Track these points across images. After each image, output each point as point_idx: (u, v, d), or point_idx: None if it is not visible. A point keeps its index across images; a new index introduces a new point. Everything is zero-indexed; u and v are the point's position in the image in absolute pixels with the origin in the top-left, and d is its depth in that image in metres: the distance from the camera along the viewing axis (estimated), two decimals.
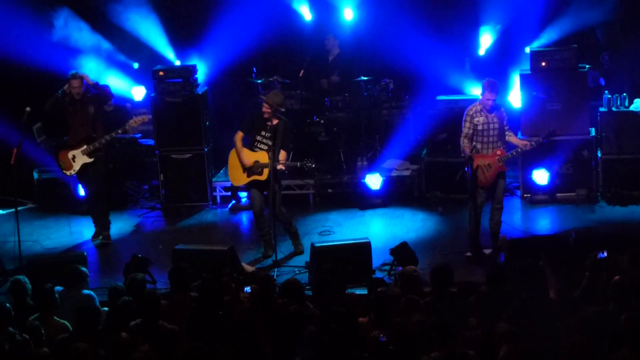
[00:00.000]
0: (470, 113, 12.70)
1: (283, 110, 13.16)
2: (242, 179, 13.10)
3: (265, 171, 12.84)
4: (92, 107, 13.70)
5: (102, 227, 14.10)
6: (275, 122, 12.87)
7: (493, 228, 12.91)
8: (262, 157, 12.88)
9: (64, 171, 13.85)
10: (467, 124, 12.70)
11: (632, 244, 11.51)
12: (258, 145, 12.98)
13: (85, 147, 13.66)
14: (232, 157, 13.18)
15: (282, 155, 12.87)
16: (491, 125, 12.70)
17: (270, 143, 12.83)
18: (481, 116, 12.68)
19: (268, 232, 13.15)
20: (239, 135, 13.07)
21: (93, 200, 14.07)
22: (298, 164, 13.05)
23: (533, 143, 13.00)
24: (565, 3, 15.98)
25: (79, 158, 13.69)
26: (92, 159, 13.69)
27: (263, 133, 12.95)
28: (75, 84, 13.55)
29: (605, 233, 12.74)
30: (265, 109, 12.86)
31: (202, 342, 8.66)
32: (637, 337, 8.03)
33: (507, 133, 12.86)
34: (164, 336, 8.95)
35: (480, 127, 12.67)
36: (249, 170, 12.94)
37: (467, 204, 13.03)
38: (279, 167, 12.77)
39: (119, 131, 13.84)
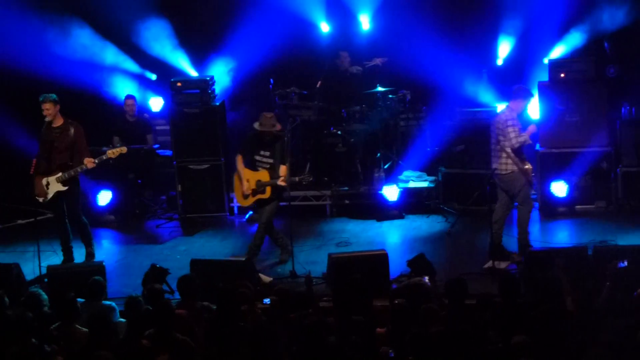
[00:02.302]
0: (515, 122, 12.64)
1: (279, 129, 13.20)
2: (247, 200, 13.24)
3: (268, 189, 13.02)
4: (72, 133, 13.16)
5: (89, 245, 13.66)
6: (271, 138, 13.06)
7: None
8: (264, 176, 13.00)
9: (36, 197, 13.23)
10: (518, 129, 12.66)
11: None
12: (259, 166, 13.09)
13: (60, 174, 13.10)
14: (237, 179, 13.32)
15: (283, 170, 12.99)
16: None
17: (271, 161, 12.99)
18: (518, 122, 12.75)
19: (282, 237, 13.29)
20: (239, 157, 13.22)
21: (75, 226, 13.49)
22: (297, 178, 13.15)
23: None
24: (584, 13, 15.93)
25: (53, 185, 13.12)
26: (65, 187, 13.14)
27: (262, 153, 13.09)
28: (45, 107, 13.12)
29: (624, 245, 12.67)
30: (267, 135, 13.00)
31: (219, 352, 8.65)
32: None
33: None
34: (177, 346, 8.94)
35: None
36: (253, 190, 13.07)
37: (485, 215, 13.04)
38: (280, 183, 12.87)
39: (96, 161, 13.11)
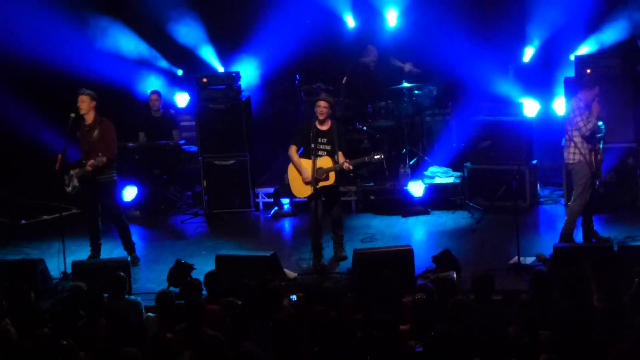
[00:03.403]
0: (581, 110, 12.70)
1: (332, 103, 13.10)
2: (306, 190, 12.89)
3: (331, 175, 12.75)
4: (98, 133, 13.07)
5: (129, 249, 13.63)
6: (328, 124, 12.86)
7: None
8: (325, 162, 12.79)
9: (65, 187, 13.17)
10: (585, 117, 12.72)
11: None
12: (318, 153, 12.74)
13: (77, 169, 13.07)
14: (292, 170, 12.99)
15: (341, 156, 12.80)
16: None
17: (329, 148, 12.78)
18: None
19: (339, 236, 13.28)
20: (293, 148, 12.90)
21: (113, 222, 13.58)
22: (366, 158, 12.92)
23: None
24: (610, 11, 15.84)
25: (73, 179, 13.06)
26: (77, 184, 13.04)
27: (319, 140, 12.78)
28: (81, 99, 13.10)
29: None
30: (323, 108, 12.75)
31: (245, 348, 8.65)
32: None
33: None
34: (206, 342, 8.95)
35: None
36: (314, 178, 12.69)
37: (511, 211, 13.02)
38: (346, 165, 12.70)
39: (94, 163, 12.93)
